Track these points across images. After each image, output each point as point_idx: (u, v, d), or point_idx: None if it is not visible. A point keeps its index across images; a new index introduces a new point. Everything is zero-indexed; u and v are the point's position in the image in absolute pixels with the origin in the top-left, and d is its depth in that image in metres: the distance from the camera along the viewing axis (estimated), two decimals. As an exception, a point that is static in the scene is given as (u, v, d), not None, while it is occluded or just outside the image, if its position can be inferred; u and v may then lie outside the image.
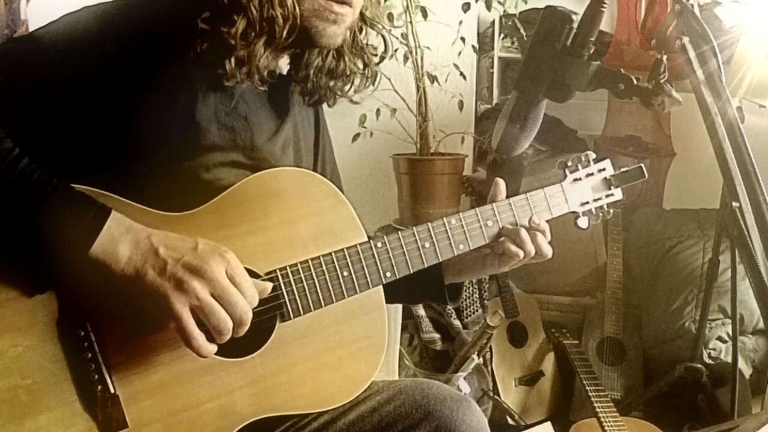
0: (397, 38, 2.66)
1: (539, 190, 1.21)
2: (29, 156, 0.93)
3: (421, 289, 1.24)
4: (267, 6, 1.01)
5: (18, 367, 0.90)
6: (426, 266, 1.12)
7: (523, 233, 1.15)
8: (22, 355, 0.91)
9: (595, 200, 1.25)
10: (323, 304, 1.04)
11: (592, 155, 1.25)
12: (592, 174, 1.25)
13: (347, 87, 1.21)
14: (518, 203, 1.18)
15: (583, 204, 1.24)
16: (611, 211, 1.26)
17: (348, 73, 1.19)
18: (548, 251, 1.18)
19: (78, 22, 1.01)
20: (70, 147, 0.98)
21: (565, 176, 1.23)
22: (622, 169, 1.26)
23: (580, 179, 1.24)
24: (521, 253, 1.15)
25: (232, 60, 1.03)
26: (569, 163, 1.24)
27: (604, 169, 1.26)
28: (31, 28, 1.04)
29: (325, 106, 1.26)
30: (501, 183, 1.20)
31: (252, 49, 1.03)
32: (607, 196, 1.26)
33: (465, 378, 2.40)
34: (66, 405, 0.92)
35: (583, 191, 1.24)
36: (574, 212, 1.24)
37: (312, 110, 1.26)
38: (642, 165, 1.25)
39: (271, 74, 1.12)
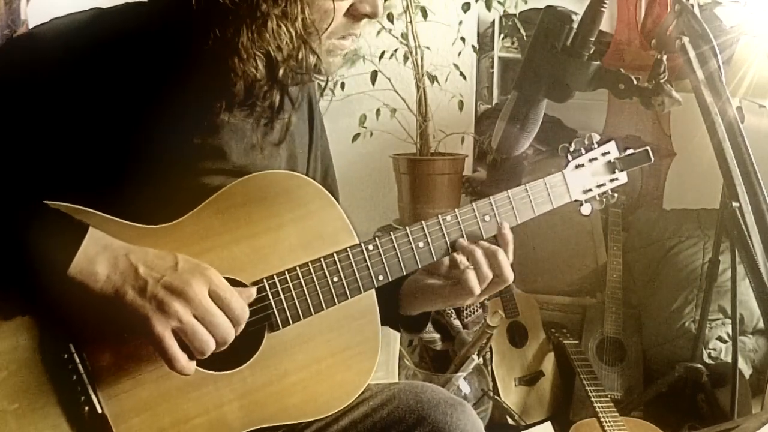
0: (397, 38, 2.66)
1: (539, 180, 1.15)
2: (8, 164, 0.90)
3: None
4: (299, 78, 1.03)
5: (4, 392, 0.89)
6: (420, 266, 1.08)
7: (479, 253, 1.08)
8: (7, 380, 0.89)
9: (598, 186, 1.19)
10: (313, 312, 1.01)
11: (596, 137, 1.20)
12: (595, 159, 1.19)
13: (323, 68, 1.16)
14: (517, 195, 1.13)
15: (585, 191, 1.19)
16: (616, 195, 1.21)
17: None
18: (509, 275, 1.09)
19: (69, 30, 0.97)
20: (53, 155, 0.94)
21: (567, 162, 1.18)
22: (628, 152, 1.20)
23: (582, 165, 1.18)
24: (476, 287, 1.07)
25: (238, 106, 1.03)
26: (572, 148, 1.18)
27: (608, 152, 1.20)
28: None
29: (321, 103, 1.22)
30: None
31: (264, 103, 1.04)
32: (612, 180, 1.20)
33: (465, 378, 2.40)
34: (55, 427, 0.91)
35: (585, 177, 1.18)
36: (576, 200, 1.19)
37: (306, 106, 1.22)
38: (648, 148, 1.20)
39: None
